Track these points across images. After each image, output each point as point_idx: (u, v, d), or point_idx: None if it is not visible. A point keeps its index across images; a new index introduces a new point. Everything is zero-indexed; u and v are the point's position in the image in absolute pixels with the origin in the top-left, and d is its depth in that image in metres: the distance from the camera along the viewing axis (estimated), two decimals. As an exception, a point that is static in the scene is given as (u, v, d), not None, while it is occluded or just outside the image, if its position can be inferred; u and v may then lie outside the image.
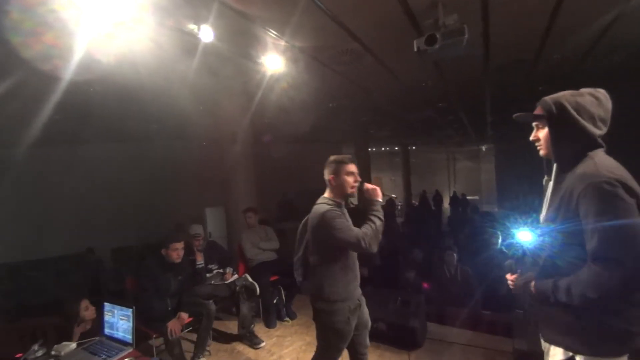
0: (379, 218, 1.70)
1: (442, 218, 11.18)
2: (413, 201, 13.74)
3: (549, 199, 1.22)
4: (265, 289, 3.44)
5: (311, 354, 2.83)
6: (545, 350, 1.24)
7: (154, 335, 2.60)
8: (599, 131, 1.10)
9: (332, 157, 1.82)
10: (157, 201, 6.60)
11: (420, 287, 4.31)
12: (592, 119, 1.09)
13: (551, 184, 1.21)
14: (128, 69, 3.33)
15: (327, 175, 1.80)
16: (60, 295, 4.19)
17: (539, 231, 1.26)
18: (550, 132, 1.15)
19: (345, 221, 1.67)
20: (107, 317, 2.05)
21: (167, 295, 2.74)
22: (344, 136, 9.19)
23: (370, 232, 1.63)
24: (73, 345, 1.93)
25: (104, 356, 1.80)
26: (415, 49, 2.83)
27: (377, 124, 8.32)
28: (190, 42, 3.07)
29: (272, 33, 3.22)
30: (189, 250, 3.20)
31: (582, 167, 1.08)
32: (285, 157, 6.83)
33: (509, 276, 1.36)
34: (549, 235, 1.18)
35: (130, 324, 1.92)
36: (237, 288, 3.22)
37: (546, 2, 3.08)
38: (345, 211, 1.83)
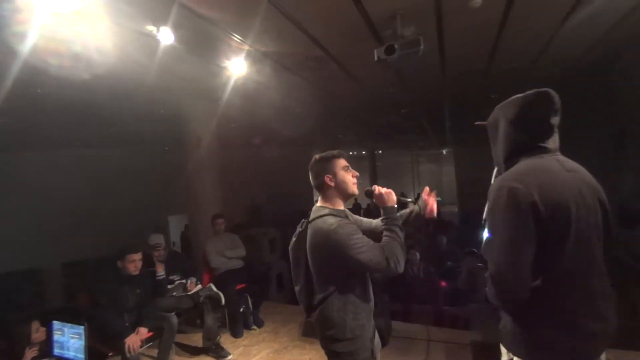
0: (400, 227, 1.40)
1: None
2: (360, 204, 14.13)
3: None
4: (231, 298, 3.37)
5: (278, 358, 2.84)
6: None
7: (110, 354, 2.45)
8: (525, 135, 1.09)
9: (318, 156, 1.49)
10: (114, 210, 6.22)
11: (385, 286, 4.44)
12: (526, 120, 1.09)
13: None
14: (82, 70, 3.14)
15: (318, 178, 1.45)
16: (6, 316, 3.82)
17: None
18: (491, 139, 1.21)
19: (364, 237, 1.32)
20: (57, 336, 1.91)
21: (124, 310, 2.59)
22: (312, 140, 9.27)
23: (395, 247, 1.33)
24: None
25: (52, 379, 1.67)
26: (376, 58, 2.95)
27: (344, 129, 8.48)
28: (150, 45, 2.97)
29: (236, 37, 3.20)
30: (148, 262, 3.06)
31: (507, 172, 1.10)
32: (253, 162, 6.75)
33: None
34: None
35: (83, 342, 1.80)
36: (201, 299, 3.13)
37: (493, 18, 3.34)
38: (355, 219, 1.54)
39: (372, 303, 1.46)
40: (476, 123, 1.33)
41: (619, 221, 3.48)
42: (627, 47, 4.11)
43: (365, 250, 1.27)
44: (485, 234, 1.12)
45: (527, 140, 1.09)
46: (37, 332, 2.14)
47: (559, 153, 1.12)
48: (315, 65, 4.14)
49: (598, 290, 1.03)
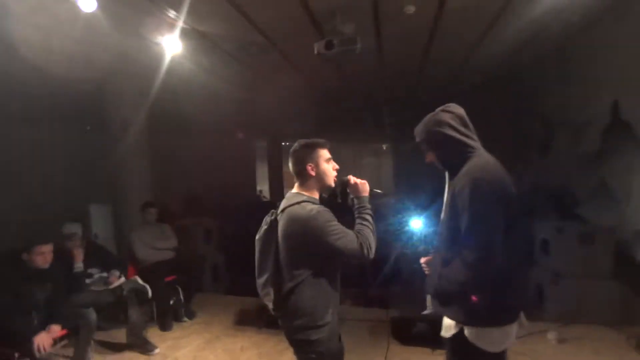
0: (372, 216, 1.45)
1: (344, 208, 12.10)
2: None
3: (445, 200, 1.42)
4: (160, 290, 3.21)
5: (209, 351, 2.82)
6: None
7: (17, 355, 2.19)
8: (462, 137, 1.30)
9: (302, 141, 1.48)
10: (25, 198, 5.41)
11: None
12: (453, 128, 1.30)
13: (447, 188, 1.41)
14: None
15: (299, 165, 1.44)
16: None
17: (438, 227, 1.47)
18: (435, 153, 1.39)
19: (340, 224, 1.35)
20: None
21: (31, 307, 2.33)
22: (256, 130, 9.08)
23: (368, 234, 1.37)
24: None
25: None
26: (315, 52, 3.02)
27: (287, 119, 8.46)
28: (70, 11, 2.62)
29: (169, 12, 2.99)
30: (61, 254, 2.77)
31: (464, 169, 1.28)
32: (189, 149, 6.39)
33: (423, 260, 1.51)
34: (443, 228, 1.39)
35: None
36: (124, 292, 2.93)
37: (425, 24, 3.63)
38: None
39: (339, 286, 1.47)
40: (410, 147, 1.54)
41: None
42: (546, 55, 4.71)
43: (342, 236, 1.29)
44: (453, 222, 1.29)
45: (465, 141, 1.30)
46: None
47: (482, 148, 1.34)
48: (257, 52, 4.06)
49: (527, 264, 1.33)
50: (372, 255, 1.34)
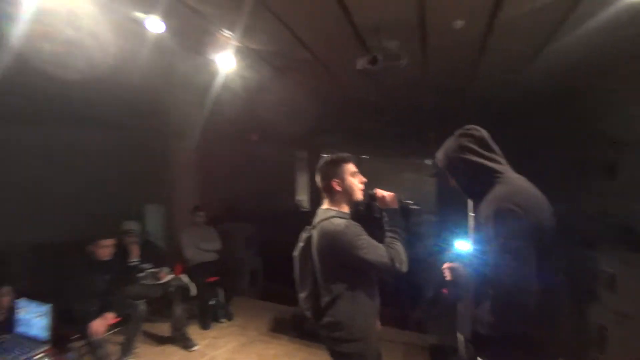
0: (402, 229, 1.44)
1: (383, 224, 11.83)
2: (360, 207, 14.34)
3: (472, 228, 1.34)
4: (203, 289, 3.41)
5: (243, 355, 2.90)
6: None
7: (76, 337, 2.45)
8: (485, 161, 1.20)
9: (328, 158, 1.50)
10: (92, 195, 6.07)
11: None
12: (475, 152, 1.22)
13: (471, 215, 1.34)
14: (63, 50, 3.10)
15: (325, 180, 1.47)
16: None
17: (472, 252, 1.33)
18: (457, 180, 1.30)
19: (370, 238, 1.35)
20: (21, 314, 1.91)
21: (91, 294, 2.60)
22: (297, 140, 9.33)
23: (399, 248, 1.36)
24: (-24, 345, 1.77)
25: (16, 354, 1.68)
26: (358, 67, 3.07)
27: (329, 132, 8.59)
28: (138, 31, 2.98)
29: (225, 32, 3.24)
30: (120, 248, 3.06)
31: (488, 196, 1.19)
32: (235, 158, 6.75)
33: (445, 265, 1.42)
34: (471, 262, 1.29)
35: (46, 321, 1.82)
36: (171, 289, 3.15)
37: (474, 40, 3.53)
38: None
39: (378, 302, 1.48)
40: (431, 175, 1.48)
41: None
42: (605, 76, 4.36)
43: (371, 250, 1.31)
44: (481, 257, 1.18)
45: (488, 165, 1.20)
46: (4, 297, 2.13)
47: (512, 171, 1.24)
48: (303, 67, 4.22)
49: (562, 294, 1.18)
50: (404, 269, 1.34)
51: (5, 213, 5.25)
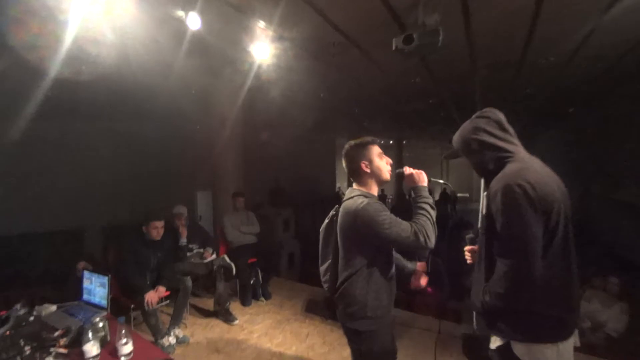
0: (431, 205, 1.41)
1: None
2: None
3: (481, 209, 1.38)
4: (243, 269, 3.63)
5: (279, 331, 3.06)
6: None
7: (132, 306, 2.78)
8: (499, 141, 1.24)
9: (353, 142, 1.50)
10: (149, 182, 6.72)
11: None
12: (490, 133, 1.26)
13: (484, 194, 1.36)
14: (116, 52, 3.41)
15: (353, 164, 1.47)
16: (51, 267, 4.37)
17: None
18: (471, 160, 1.33)
19: (391, 215, 1.34)
20: (86, 284, 2.22)
21: (146, 269, 2.91)
22: (337, 126, 9.30)
23: (425, 222, 1.33)
24: (53, 307, 2.10)
25: (80, 317, 1.97)
26: (394, 47, 2.94)
27: (369, 116, 8.42)
28: (178, 28, 3.17)
29: (260, 23, 3.31)
30: (171, 230, 3.37)
31: (499, 175, 1.20)
32: (276, 145, 6.95)
33: (467, 248, 1.46)
34: (481, 238, 1.30)
35: (106, 290, 2.09)
36: (215, 267, 3.40)
37: (525, 8, 3.18)
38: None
39: (394, 286, 1.47)
40: (444, 156, 1.51)
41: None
42: None
43: (393, 225, 1.30)
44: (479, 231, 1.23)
45: (502, 146, 1.24)
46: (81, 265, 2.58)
47: (526, 152, 1.26)
48: (339, 52, 4.16)
49: (575, 272, 1.17)
50: (431, 244, 1.31)
51: (77, 200, 6.07)
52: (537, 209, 1.09)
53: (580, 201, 7.14)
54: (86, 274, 2.23)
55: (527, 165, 1.18)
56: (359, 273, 1.39)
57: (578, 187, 7.53)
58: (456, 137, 1.36)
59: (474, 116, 1.32)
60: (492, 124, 1.27)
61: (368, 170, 1.46)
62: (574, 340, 1.19)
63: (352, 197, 1.42)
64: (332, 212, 1.57)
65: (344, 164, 1.54)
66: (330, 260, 1.52)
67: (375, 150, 1.49)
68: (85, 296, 2.20)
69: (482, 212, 1.36)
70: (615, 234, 5.21)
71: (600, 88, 5.69)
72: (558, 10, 3.22)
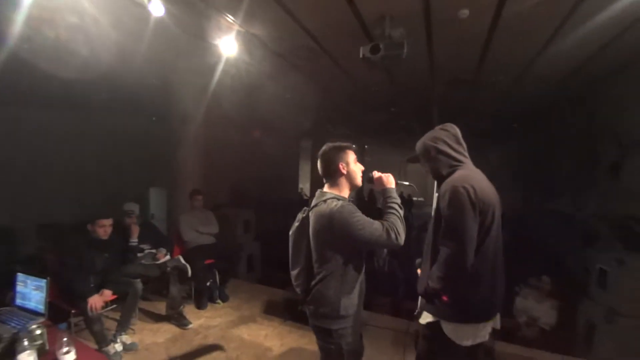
0: (399, 205, 1.49)
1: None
2: (365, 197, 14.38)
3: (434, 207, 1.62)
4: (199, 271, 3.48)
5: (236, 333, 2.99)
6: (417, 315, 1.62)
7: (73, 311, 2.55)
8: (453, 152, 1.50)
9: (332, 144, 1.56)
10: (97, 177, 6.19)
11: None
12: (446, 144, 1.51)
13: (435, 196, 1.63)
14: (77, 37, 3.13)
15: (331, 165, 1.51)
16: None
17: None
18: (428, 165, 1.59)
19: (364, 216, 1.40)
20: (20, 287, 1.99)
21: (90, 271, 2.68)
22: (302, 129, 9.31)
23: (395, 220, 1.41)
24: (-23, 314, 1.86)
25: (13, 325, 1.77)
26: (361, 56, 3.04)
27: (332, 121, 8.56)
28: (142, 16, 2.98)
29: (227, 16, 3.22)
30: (120, 228, 3.14)
31: (449, 179, 1.47)
32: (237, 144, 6.78)
33: (418, 260, 1.74)
34: (430, 232, 1.57)
35: (44, 295, 1.90)
36: (168, 269, 3.23)
37: (480, 31, 3.46)
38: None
39: (364, 287, 1.54)
40: (407, 159, 1.82)
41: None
42: (613, 75, 4.29)
43: (366, 226, 1.36)
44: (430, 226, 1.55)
45: (454, 155, 1.51)
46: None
47: (471, 163, 1.53)
48: (307, 56, 4.19)
49: (501, 266, 1.46)
50: (401, 242, 1.39)
51: (10, 195, 5.41)
52: (475, 208, 1.34)
53: (522, 210, 7.87)
54: (20, 276, 2.01)
55: (472, 174, 1.45)
56: (332, 274, 1.44)
57: (520, 197, 8.29)
58: (419, 144, 1.60)
59: (436, 128, 1.57)
60: (450, 136, 1.52)
61: (344, 172, 1.52)
62: (494, 323, 1.48)
63: (324, 200, 1.45)
64: (301, 215, 1.58)
65: (319, 165, 1.57)
66: (301, 265, 1.55)
67: (352, 155, 1.56)
68: (18, 301, 1.98)
69: (434, 208, 1.59)
70: (549, 239, 5.82)
71: (543, 108, 6.33)
72: (508, 37, 3.54)
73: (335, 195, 1.48)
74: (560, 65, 4.29)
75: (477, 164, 1.56)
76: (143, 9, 2.83)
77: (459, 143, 1.52)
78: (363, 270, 1.54)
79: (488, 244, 1.37)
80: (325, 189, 1.54)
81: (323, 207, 1.43)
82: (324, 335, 1.48)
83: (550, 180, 6.72)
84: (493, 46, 3.75)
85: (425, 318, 1.52)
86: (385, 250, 4.39)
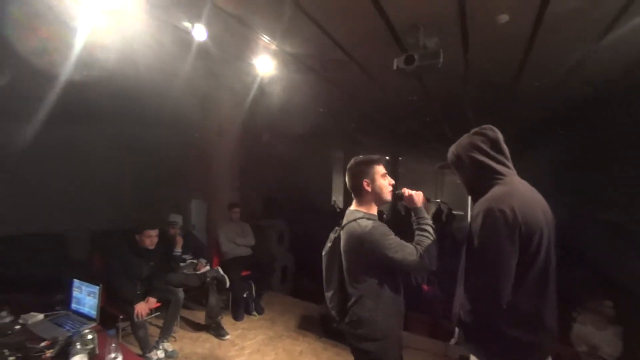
0: (432, 226, 1.43)
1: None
2: (402, 211, 14.00)
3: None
4: (236, 282, 3.56)
5: (271, 348, 2.99)
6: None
7: (121, 317, 2.69)
8: (491, 161, 1.23)
9: (359, 158, 1.52)
10: (143, 190, 6.64)
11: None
12: (483, 152, 1.25)
13: (470, 214, 1.39)
14: (122, 59, 3.43)
15: (355, 181, 1.48)
16: (36, 273, 4.24)
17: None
18: (461, 176, 1.34)
19: (397, 238, 1.36)
20: (75, 292, 2.15)
21: (137, 279, 2.83)
22: (333, 141, 9.37)
23: (430, 245, 1.35)
24: (40, 316, 2.03)
25: (67, 328, 1.90)
26: (395, 67, 3.01)
27: (365, 132, 8.51)
28: (184, 39, 3.21)
29: (264, 37, 3.37)
30: (165, 239, 3.31)
31: (486, 195, 1.21)
32: (272, 157, 6.96)
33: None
34: (464, 255, 1.33)
35: (96, 301, 2.03)
36: (208, 279, 3.34)
37: (521, 33, 3.31)
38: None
39: (402, 306, 1.48)
40: (439, 166, 1.54)
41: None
42: None
43: (399, 249, 1.32)
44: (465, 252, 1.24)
45: (493, 166, 1.23)
46: None
47: (515, 174, 1.26)
48: (338, 67, 4.24)
49: (553, 297, 1.17)
50: (434, 267, 1.33)
51: (65, 203, 5.93)
52: (514, 234, 1.09)
53: (570, 222, 7.22)
54: (76, 282, 2.17)
55: (513, 190, 1.17)
56: (367, 295, 1.40)
57: (566, 209, 7.64)
58: (451, 150, 1.36)
59: (472, 131, 1.31)
60: (487, 142, 1.25)
61: (369, 189, 1.47)
62: None
63: (355, 220, 1.41)
64: (333, 235, 1.56)
65: (346, 180, 1.54)
66: (335, 286, 1.51)
67: (379, 169, 1.49)
68: (74, 305, 2.14)
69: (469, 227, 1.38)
70: (606, 255, 5.27)
71: (590, 112, 5.87)
72: (553, 36, 3.35)
73: (365, 214, 1.43)
74: (609, 66, 3.96)
75: (518, 172, 1.32)
76: (187, 34, 3.06)
77: (499, 151, 1.25)
78: (401, 290, 1.48)
79: (534, 274, 1.12)
80: (354, 206, 1.50)
81: (354, 227, 1.39)
82: (362, 357, 1.44)
83: (599, 188, 6.13)
84: (535, 49, 3.56)
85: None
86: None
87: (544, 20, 2.95)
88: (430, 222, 1.44)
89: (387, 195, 1.49)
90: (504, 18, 2.99)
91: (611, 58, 3.64)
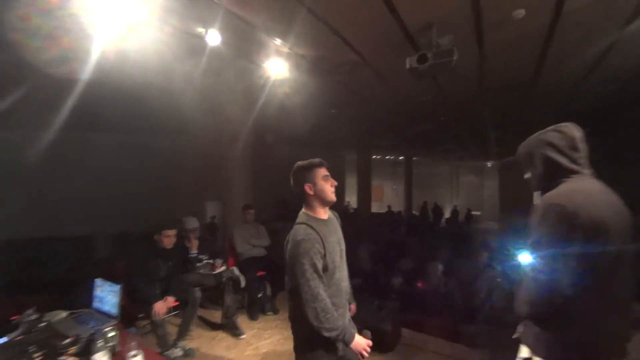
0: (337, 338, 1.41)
1: (438, 230, 11.28)
2: (414, 212, 13.86)
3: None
4: (252, 282, 3.60)
5: (287, 347, 3.00)
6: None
7: (140, 315, 2.76)
8: (564, 159, 1.19)
9: (300, 164, 1.56)
10: (160, 193, 6.83)
11: (403, 294, 4.42)
12: (557, 149, 1.20)
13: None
14: (137, 67, 3.54)
15: (298, 186, 1.53)
16: (61, 274, 4.42)
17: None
18: (531, 172, 1.30)
19: (313, 271, 1.36)
20: (97, 291, 2.22)
21: (155, 278, 2.90)
22: (345, 142, 9.36)
23: (330, 314, 1.36)
24: (64, 314, 2.10)
25: (90, 325, 1.97)
26: (408, 66, 2.99)
27: (378, 133, 8.46)
28: (197, 44, 3.28)
29: (276, 40, 3.41)
30: (181, 239, 3.38)
31: (551, 192, 1.17)
32: (285, 159, 7.02)
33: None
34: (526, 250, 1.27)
35: (117, 299, 2.09)
36: (224, 279, 3.38)
37: (538, 30, 3.23)
38: (334, 222, 1.60)
39: (342, 309, 1.50)
40: (504, 161, 1.42)
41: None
42: None
43: (304, 280, 1.34)
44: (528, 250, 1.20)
45: (565, 165, 1.19)
46: None
47: (590, 175, 1.20)
48: (349, 70, 4.24)
49: (621, 302, 1.13)
50: (316, 326, 1.34)
51: (89, 208, 6.17)
52: (575, 231, 1.05)
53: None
54: (98, 281, 2.24)
55: (580, 187, 1.14)
56: (295, 293, 1.42)
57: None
58: (522, 146, 1.32)
59: (548, 128, 1.26)
60: (563, 140, 1.21)
61: (312, 193, 1.51)
62: None
63: (299, 224, 1.47)
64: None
65: (291, 185, 1.57)
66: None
67: (321, 172, 1.52)
68: (96, 304, 2.21)
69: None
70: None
71: (613, 107, 5.66)
72: (571, 34, 3.25)
73: (309, 221, 1.46)
74: (631, 61, 3.81)
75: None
76: (200, 39, 3.13)
77: (574, 148, 1.20)
78: (339, 282, 1.51)
79: (599, 275, 1.07)
80: (303, 209, 1.55)
81: (292, 231, 1.45)
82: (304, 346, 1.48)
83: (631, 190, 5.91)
84: (553, 45, 3.47)
85: (523, 352, 1.27)
86: (440, 267, 4.16)
87: (562, 13, 2.87)
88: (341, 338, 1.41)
89: (330, 196, 1.52)
90: (520, 13, 2.93)
91: (632, 52, 3.50)
